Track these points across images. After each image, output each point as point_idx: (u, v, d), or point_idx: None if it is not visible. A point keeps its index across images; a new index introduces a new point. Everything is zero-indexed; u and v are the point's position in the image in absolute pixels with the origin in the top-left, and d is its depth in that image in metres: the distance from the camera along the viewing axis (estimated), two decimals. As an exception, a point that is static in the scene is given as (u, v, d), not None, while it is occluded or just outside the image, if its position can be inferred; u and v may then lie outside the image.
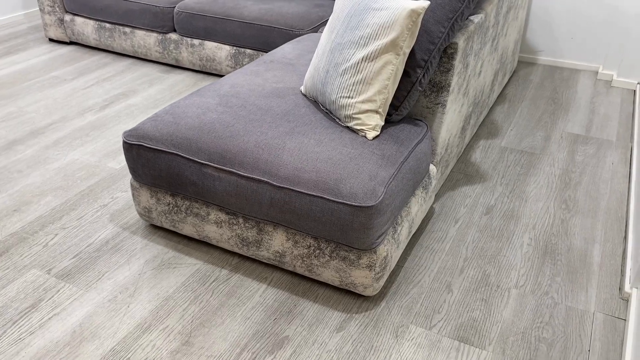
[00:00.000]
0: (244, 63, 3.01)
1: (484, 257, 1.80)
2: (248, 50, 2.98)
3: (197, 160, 1.62)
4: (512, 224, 1.96)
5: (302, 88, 1.88)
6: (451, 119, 1.92)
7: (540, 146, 2.46)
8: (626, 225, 1.95)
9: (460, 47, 1.72)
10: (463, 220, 1.98)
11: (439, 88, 1.77)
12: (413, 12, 1.49)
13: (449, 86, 1.76)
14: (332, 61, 1.66)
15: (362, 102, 1.60)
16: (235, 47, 3.02)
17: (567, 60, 3.31)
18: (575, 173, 2.26)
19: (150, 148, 1.68)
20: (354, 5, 1.65)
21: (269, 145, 1.57)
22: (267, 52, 2.93)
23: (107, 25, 3.36)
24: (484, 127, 2.62)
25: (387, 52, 1.55)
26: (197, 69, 3.20)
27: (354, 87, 1.60)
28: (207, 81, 3.12)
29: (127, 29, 3.30)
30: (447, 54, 1.71)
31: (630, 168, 2.30)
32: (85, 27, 3.45)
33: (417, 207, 1.75)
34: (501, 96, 2.94)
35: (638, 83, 3.02)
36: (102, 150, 2.40)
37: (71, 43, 3.66)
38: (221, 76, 3.19)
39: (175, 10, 3.11)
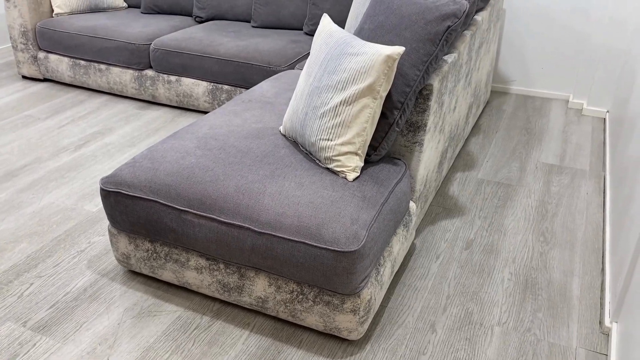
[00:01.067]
0: (222, 99, 3.02)
1: (466, 293, 1.81)
2: (225, 86, 2.99)
3: (176, 206, 1.60)
4: (492, 258, 1.98)
5: (282, 128, 1.89)
6: (429, 156, 1.94)
7: (516, 177, 2.50)
8: (603, 257, 1.98)
9: (435, 88, 1.75)
10: (444, 256, 1.99)
11: (416, 128, 1.79)
12: (389, 58, 1.52)
13: (426, 126, 1.78)
14: (311, 104, 1.67)
15: (342, 144, 1.61)
16: (212, 83, 3.02)
17: (539, 89, 3.39)
18: (551, 204, 2.30)
19: (128, 195, 1.66)
20: (331, 49, 1.67)
21: (250, 190, 1.57)
22: (244, 88, 2.95)
23: (82, 62, 3.34)
24: (460, 159, 2.66)
25: (365, 96, 1.57)
26: (174, 104, 3.20)
27: (333, 130, 1.61)
28: (184, 117, 3.11)
29: (103, 66, 3.29)
30: (422, 95, 1.74)
31: (604, 197, 2.35)
32: (60, 64, 3.42)
33: (398, 246, 1.76)
34: (476, 127, 2.99)
35: (607, 111, 3.11)
36: (79, 192, 2.36)
37: (45, 80, 3.63)
38: (199, 112, 3.19)
39: (151, 47, 3.11)
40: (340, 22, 3.06)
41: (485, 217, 2.21)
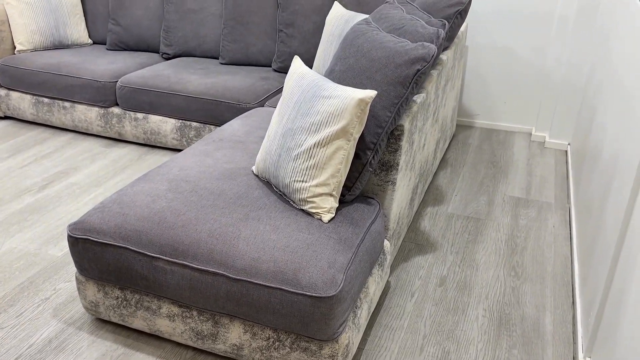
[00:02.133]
0: (190, 136, 2.99)
1: (442, 332, 1.81)
2: (194, 124, 2.97)
3: (147, 253, 1.56)
4: (465, 294, 1.99)
5: (254, 168, 1.88)
6: (401, 194, 1.96)
7: (485, 211, 2.54)
8: (573, 290, 2.02)
9: (406, 128, 1.78)
10: (419, 294, 1.99)
11: (389, 167, 1.81)
12: (361, 102, 1.54)
13: (398, 165, 1.80)
14: (285, 145, 1.67)
15: (316, 185, 1.61)
16: (181, 120, 3.00)
17: (502, 122, 3.49)
18: (520, 238, 2.34)
19: (97, 242, 1.61)
20: (303, 92, 1.68)
21: (224, 234, 1.54)
22: (213, 125, 2.93)
23: (46, 99, 3.28)
24: (430, 194, 2.69)
25: (338, 138, 1.58)
26: (141, 142, 3.15)
27: (307, 172, 1.61)
28: (152, 154, 3.07)
29: (67, 104, 3.23)
30: (394, 135, 1.77)
31: (570, 230, 2.40)
32: (22, 102, 3.34)
33: (374, 286, 1.75)
34: (443, 161, 3.04)
35: (568, 144, 3.21)
36: (42, 236, 2.28)
37: (6, 118, 3.53)
38: (167, 149, 3.15)
39: (117, 84, 3.07)
40: (308, 59, 3.09)
41: (457, 253, 2.23)
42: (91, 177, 2.79)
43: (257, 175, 1.88)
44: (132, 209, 1.66)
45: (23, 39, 3.41)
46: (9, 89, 3.37)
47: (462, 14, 2.43)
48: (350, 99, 1.55)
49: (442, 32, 1.86)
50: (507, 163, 3.04)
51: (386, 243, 1.88)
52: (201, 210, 1.63)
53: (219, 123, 2.91)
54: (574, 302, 1.95)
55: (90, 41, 3.68)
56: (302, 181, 1.62)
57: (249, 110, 2.81)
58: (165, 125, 3.03)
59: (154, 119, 3.05)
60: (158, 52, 3.55)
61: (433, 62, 1.66)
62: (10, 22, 3.40)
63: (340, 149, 1.59)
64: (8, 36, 3.42)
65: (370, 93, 1.53)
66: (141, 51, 3.57)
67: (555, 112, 3.19)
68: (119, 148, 3.14)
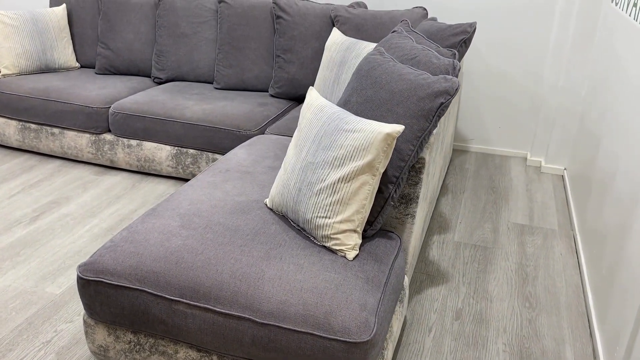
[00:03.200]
0: (187, 163, 2.92)
1: (465, 369, 1.77)
2: (191, 151, 2.90)
3: (166, 296, 1.48)
4: (483, 328, 1.95)
5: (268, 201, 1.82)
6: (418, 226, 1.92)
7: (491, 239, 2.53)
8: (589, 322, 2.00)
9: (427, 161, 1.75)
10: (436, 329, 1.94)
11: (408, 200, 1.77)
12: (388, 136, 1.50)
13: (418, 198, 1.77)
14: (305, 180, 1.62)
15: (340, 222, 1.56)
16: (177, 147, 2.92)
17: (498, 147, 3.50)
18: (529, 267, 2.33)
19: (111, 284, 1.52)
20: (324, 125, 1.64)
21: (247, 275, 1.47)
22: (211, 152, 2.86)
23: (33, 126, 3.16)
24: (435, 221, 2.66)
25: (364, 173, 1.54)
26: (134, 169, 3.06)
27: (331, 208, 1.56)
28: (145, 182, 2.97)
29: (56, 130, 3.12)
30: (414, 168, 1.73)
31: (578, 258, 2.40)
32: (7, 128, 3.22)
33: (397, 324, 1.70)
34: (443, 187, 3.03)
35: (565, 169, 3.24)
36: (38, 272, 2.17)
37: (-11, 144, 3.40)
38: (161, 177, 3.06)
39: (110, 110, 2.98)
40: (307, 85, 3.06)
41: (469, 283, 2.20)
42: (84, 207, 2.68)
43: (271, 209, 1.82)
44: (147, 248, 1.58)
45: (8, 63, 3.30)
46: (-7, 115, 3.25)
47: (466, 43, 2.44)
48: (377, 133, 1.51)
49: (458, 64, 1.85)
50: (506, 189, 3.04)
51: (405, 278, 1.84)
52: (219, 249, 1.57)
53: (217, 150, 2.84)
54: (591, 334, 1.93)
55: (78, 65, 3.59)
56: (326, 217, 1.57)
57: (249, 137, 2.76)
58: (160, 153, 2.95)
59: (149, 146, 2.96)
60: (149, 77, 3.47)
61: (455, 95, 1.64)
62: (-5, 46, 3.29)
63: (366, 184, 1.55)
64: (-8, 60, 3.30)
65: (398, 127, 1.50)
66: (132, 75, 3.48)
67: (551, 137, 3.22)
68: (111, 176, 3.04)
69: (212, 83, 3.36)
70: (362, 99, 1.78)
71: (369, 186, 1.55)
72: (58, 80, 3.26)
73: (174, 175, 2.98)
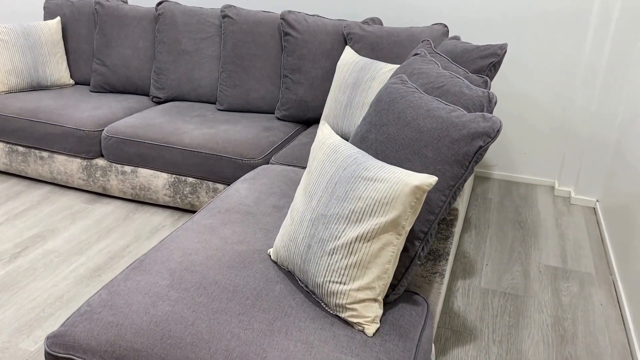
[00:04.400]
0: (185, 192, 2.67)
1: None
2: (190, 179, 2.65)
3: (148, 381, 1.23)
4: (520, 400, 1.69)
5: (272, 253, 1.57)
6: (445, 285, 1.67)
7: (522, 285, 2.26)
8: (642, 393, 1.73)
9: (460, 212, 1.49)
10: (466, 401, 1.68)
11: (437, 257, 1.51)
12: (418, 189, 1.25)
13: (448, 254, 1.51)
14: (316, 235, 1.37)
15: (358, 289, 1.31)
16: (174, 175, 2.68)
17: (523, 175, 3.24)
18: (567, 320, 2.06)
19: (82, 364, 1.27)
20: (338, 169, 1.39)
21: (245, 357, 1.22)
22: (212, 181, 2.61)
23: (21, 148, 2.93)
24: (458, 263, 2.40)
25: (387, 231, 1.28)
26: (128, 197, 2.81)
27: (346, 272, 1.31)
28: (140, 212, 2.73)
29: (45, 154, 2.88)
30: (445, 220, 1.48)
31: (620, 310, 2.13)
32: (-6, 150, 2.99)
33: (422, 406, 1.44)
34: (466, 220, 2.77)
35: (597, 201, 2.97)
36: (13, 322, 1.92)
37: (-25, 166, 3.17)
38: (157, 206, 2.81)
39: (103, 134, 2.75)
40: (316, 107, 2.82)
41: (500, 341, 1.93)
42: (72, 242, 2.44)
43: (275, 262, 1.57)
44: (128, 317, 1.33)
45: (-3, 80, 3.08)
46: (-20, 136, 3.02)
47: (496, 66, 2.19)
48: (403, 185, 1.26)
49: (494, 96, 1.60)
50: (534, 223, 2.77)
51: (432, 348, 1.58)
52: (214, 318, 1.31)
53: (218, 179, 2.59)
54: (647, 410, 1.66)
55: (72, 82, 3.36)
56: (340, 283, 1.31)
57: (253, 166, 2.51)
58: (156, 180, 2.71)
59: (144, 173, 2.72)
60: (147, 95, 3.24)
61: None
62: (-17, 62, 3.07)
63: (389, 245, 1.29)
64: (-20, 77, 3.08)
65: (429, 179, 1.25)
66: (129, 94, 3.25)
67: (582, 166, 2.96)
68: (103, 204, 2.80)
69: (214, 103, 3.13)
70: (383, 136, 1.53)
71: (393, 247, 1.30)
72: (49, 99, 3.03)
73: (171, 205, 2.73)
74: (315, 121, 2.90)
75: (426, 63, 1.89)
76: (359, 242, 1.29)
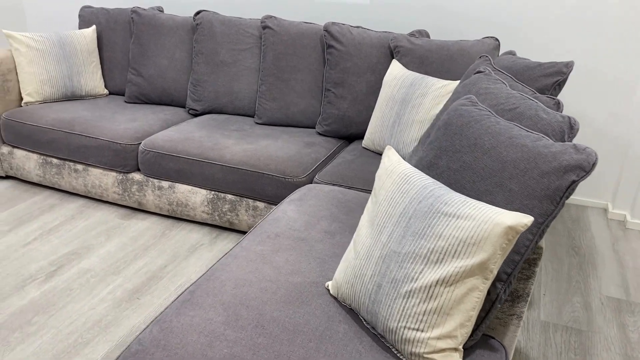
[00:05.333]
0: (224, 210, 2.57)
1: None
2: (229, 196, 2.55)
3: None
4: None
5: (331, 287, 1.46)
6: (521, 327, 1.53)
7: (584, 319, 2.11)
8: None
9: (543, 250, 1.36)
10: None
11: (515, 297, 1.39)
12: (510, 230, 1.12)
13: (528, 295, 1.38)
14: (387, 274, 1.25)
15: (438, 338, 1.18)
16: (213, 192, 2.58)
17: (573, 195, 3.09)
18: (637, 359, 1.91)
19: (137, 413, 1.17)
20: (412, 201, 1.27)
21: (315, 411, 1.11)
22: (252, 198, 2.51)
23: (55, 160, 2.86)
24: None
25: (473, 275, 1.16)
26: (164, 213, 2.72)
27: (425, 318, 1.19)
28: (177, 229, 2.63)
29: (80, 166, 2.81)
30: (528, 259, 1.35)
31: (696, 349, 1.98)
32: (27, 162, 2.92)
33: None
34: (516, 244, 2.62)
35: (655, 226, 2.81)
36: (51, 349, 1.83)
37: (7, 177, 3.11)
38: (194, 222, 2.72)
39: (140, 148, 2.66)
40: (359, 123, 2.71)
41: (568, 383, 1.79)
42: (107, 260, 2.35)
43: (335, 297, 1.45)
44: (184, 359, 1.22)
45: (31, 90, 3.01)
46: (13, 147, 2.96)
47: (560, 85, 2.05)
48: (494, 225, 1.13)
49: (576, 122, 1.47)
50: (590, 249, 2.62)
51: (507, 395, 1.45)
52: (277, 364, 1.20)
53: (259, 197, 2.49)
54: None
55: (106, 92, 3.29)
56: (417, 329, 1.19)
57: (295, 184, 2.40)
58: (194, 197, 2.61)
59: (182, 189, 2.62)
60: (183, 107, 3.16)
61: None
62: (17, 71, 3.01)
63: (474, 290, 1.17)
64: (15, 86, 3.03)
65: (524, 219, 1.12)
66: (164, 105, 3.17)
67: (639, 188, 2.80)
68: (138, 220, 2.71)
69: (252, 116, 3.03)
70: (457, 164, 1.41)
71: (479, 293, 1.17)
72: (84, 109, 2.96)
73: (209, 222, 2.63)
74: (358, 137, 2.79)
75: (492, 82, 1.77)
76: (440, 285, 1.17)
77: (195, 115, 3.09)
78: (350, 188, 2.29)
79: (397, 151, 2.40)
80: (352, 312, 1.41)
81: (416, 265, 1.21)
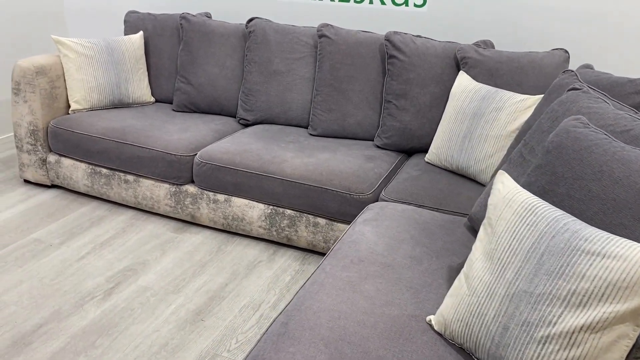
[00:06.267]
0: (282, 225, 2.47)
1: None
2: (288, 211, 2.46)
3: None
4: None
5: (435, 323, 1.35)
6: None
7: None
8: None
9: (682, 290, 1.25)
10: None
11: (645, 340, 1.27)
12: (674, 274, 1.01)
13: (659, 337, 1.27)
14: (516, 316, 1.14)
15: (580, 389, 1.07)
16: (272, 207, 2.48)
17: None
18: None
19: None
20: (543, 237, 1.16)
21: None
22: (313, 214, 2.41)
23: (104, 170, 2.78)
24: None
25: (623, 322, 1.05)
26: (218, 227, 2.63)
27: (565, 367, 1.08)
28: (232, 244, 2.54)
29: (130, 177, 2.73)
30: (665, 299, 1.24)
31: None
32: (75, 171, 2.85)
33: None
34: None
35: None
36: (119, 376, 1.75)
37: (53, 186, 3.04)
38: (250, 237, 2.62)
39: (195, 160, 2.57)
40: (421, 136, 2.60)
41: None
42: (165, 277, 2.26)
43: (439, 334, 1.35)
44: (297, 407, 1.12)
45: (79, 97, 2.94)
46: (61, 155, 2.88)
47: (655, 103, 1.93)
48: (651, 268, 1.02)
49: None
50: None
51: None
52: (399, 413, 1.10)
53: (320, 213, 2.39)
54: None
55: (152, 99, 3.21)
56: (557, 379, 1.08)
57: (362, 202, 2.30)
58: (251, 211, 2.52)
59: (239, 203, 2.53)
60: (233, 117, 3.07)
61: None
62: (66, 77, 2.94)
63: (624, 338, 1.06)
64: (63, 93, 2.96)
65: (689, 263, 1.01)
66: (213, 114, 3.09)
67: None
68: (191, 234, 2.62)
69: (305, 127, 2.93)
70: (581, 193, 1.30)
71: (629, 341, 1.06)
72: (133, 117, 2.88)
73: (265, 237, 2.54)
74: (420, 150, 2.68)
75: (594, 101, 1.66)
76: (584, 332, 1.06)
77: (246, 125, 3.00)
78: (420, 206, 2.18)
79: (468, 167, 2.29)
80: (463, 352, 1.30)
81: (554, 308, 1.10)
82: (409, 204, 2.20)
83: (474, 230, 1.94)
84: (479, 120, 2.28)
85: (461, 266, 1.69)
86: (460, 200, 2.17)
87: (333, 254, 1.75)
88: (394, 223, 1.94)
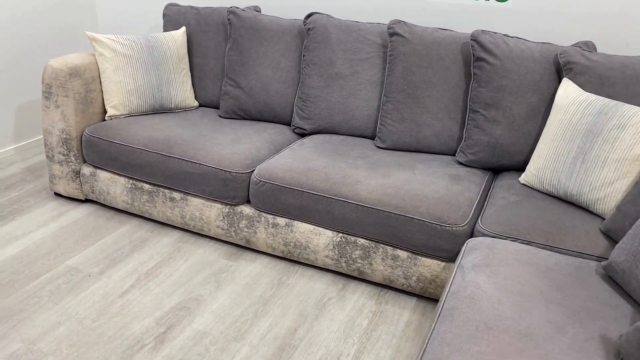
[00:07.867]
0: (354, 257, 2.14)
1: None
2: (361, 240, 2.12)
3: None
4: None
5: None
6: None
7: None
8: None
9: None
10: None
11: None
12: None
13: None
14: None
15: None
16: (342, 234, 2.15)
17: None
18: None
19: None
20: None
21: None
22: (391, 245, 2.07)
23: (147, 186, 2.46)
24: None
25: None
26: (277, 254, 2.31)
27: None
28: (295, 276, 2.21)
29: (177, 194, 2.40)
30: None
31: None
32: (113, 186, 2.53)
33: None
34: None
35: None
36: None
37: (87, 201, 2.73)
38: (314, 268, 2.29)
39: (253, 178, 2.24)
40: (514, 153, 2.24)
41: None
42: (224, 319, 1.94)
43: None
44: None
45: (117, 102, 2.62)
46: (96, 167, 2.57)
47: None
48: None
49: None
50: None
51: None
52: None
53: (401, 245, 2.05)
54: None
55: (196, 104, 2.88)
56: None
57: (455, 235, 1.95)
58: (317, 238, 2.18)
59: (302, 228, 2.20)
60: (287, 125, 2.73)
61: None
62: (102, 80, 2.62)
63: None
64: (98, 97, 2.63)
65: None
66: (265, 122, 2.75)
67: None
68: (247, 261, 2.30)
69: (370, 138, 2.59)
70: None
71: None
72: (177, 126, 2.55)
73: (332, 269, 2.21)
74: (510, 169, 2.32)
75: None
76: None
77: (303, 135, 2.66)
78: (529, 243, 1.83)
79: (580, 194, 1.94)
80: None
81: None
82: (515, 239, 1.85)
83: (611, 281, 1.60)
84: (595, 139, 1.91)
85: (613, 334, 1.35)
86: (576, 236, 1.82)
87: (449, 315, 1.41)
88: (512, 271, 1.59)
